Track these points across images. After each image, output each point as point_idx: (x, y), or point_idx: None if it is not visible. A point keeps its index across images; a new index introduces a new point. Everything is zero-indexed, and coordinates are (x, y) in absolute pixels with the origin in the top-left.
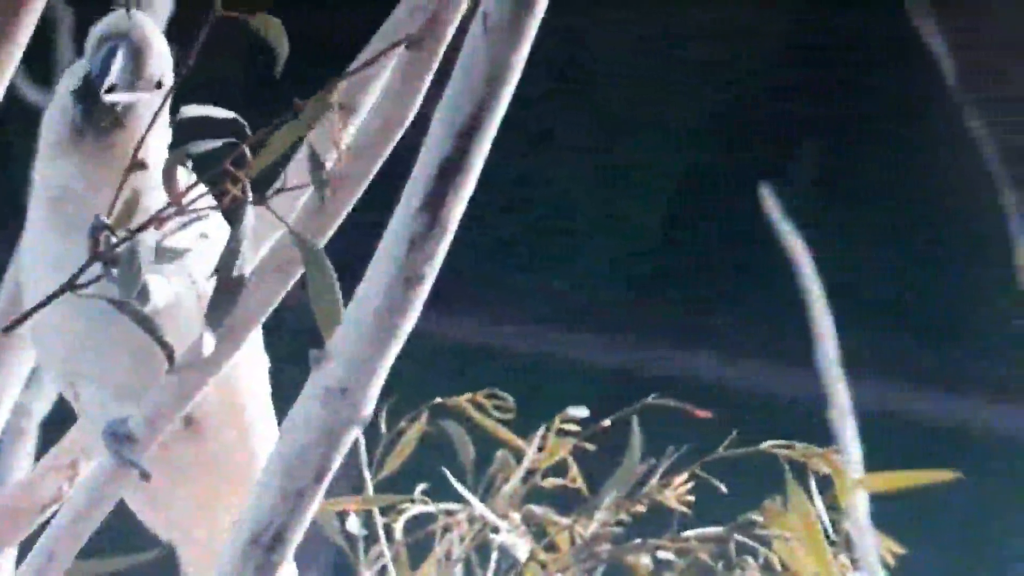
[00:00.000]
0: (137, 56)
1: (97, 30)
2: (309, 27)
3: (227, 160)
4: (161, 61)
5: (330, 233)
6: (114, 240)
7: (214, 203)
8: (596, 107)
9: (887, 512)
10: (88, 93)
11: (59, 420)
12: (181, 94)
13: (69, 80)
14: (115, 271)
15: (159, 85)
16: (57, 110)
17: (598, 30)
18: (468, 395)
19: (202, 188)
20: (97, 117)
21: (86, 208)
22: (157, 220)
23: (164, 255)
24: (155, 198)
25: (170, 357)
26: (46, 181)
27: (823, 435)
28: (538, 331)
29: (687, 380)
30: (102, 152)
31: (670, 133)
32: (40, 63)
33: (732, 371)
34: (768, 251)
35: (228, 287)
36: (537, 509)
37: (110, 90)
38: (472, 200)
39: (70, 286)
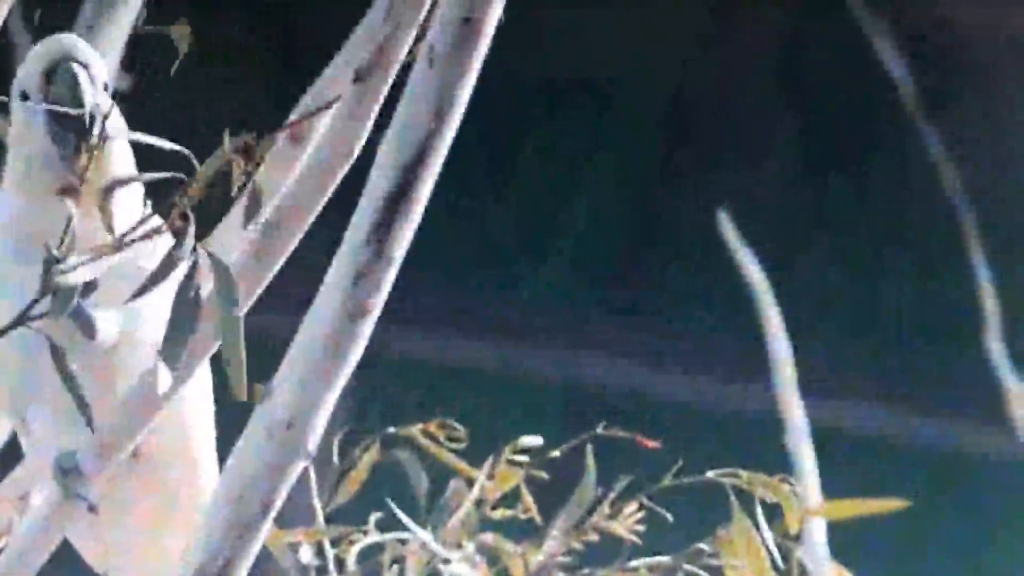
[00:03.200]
0: (93, 77)
1: (38, 57)
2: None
3: (174, 193)
4: (105, 77)
5: (278, 264)
6: (64, 272)
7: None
8: (555, 127)
9: (843, 530)
10: (64, 121)
11: (16, 448)
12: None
13: (31, 108)
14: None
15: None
16: (24, 140)
17: (554, 42)
18: (420, 425)
19: (157, 220)
20: (78, 143)
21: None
22: (104, 250)
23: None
24: (122, 223)
25: (88, 419)
26: (14, 209)
27: (782, 454)
28: (496, 349)
29: (645, 398)
30: (75, 180)
31: (629, 153)
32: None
33: (692, 389)
34: (726, 272)
35: (182, 319)
36: (489, 538)
37: (89, 113)
38: (429, 221)
39: (22, 320)
